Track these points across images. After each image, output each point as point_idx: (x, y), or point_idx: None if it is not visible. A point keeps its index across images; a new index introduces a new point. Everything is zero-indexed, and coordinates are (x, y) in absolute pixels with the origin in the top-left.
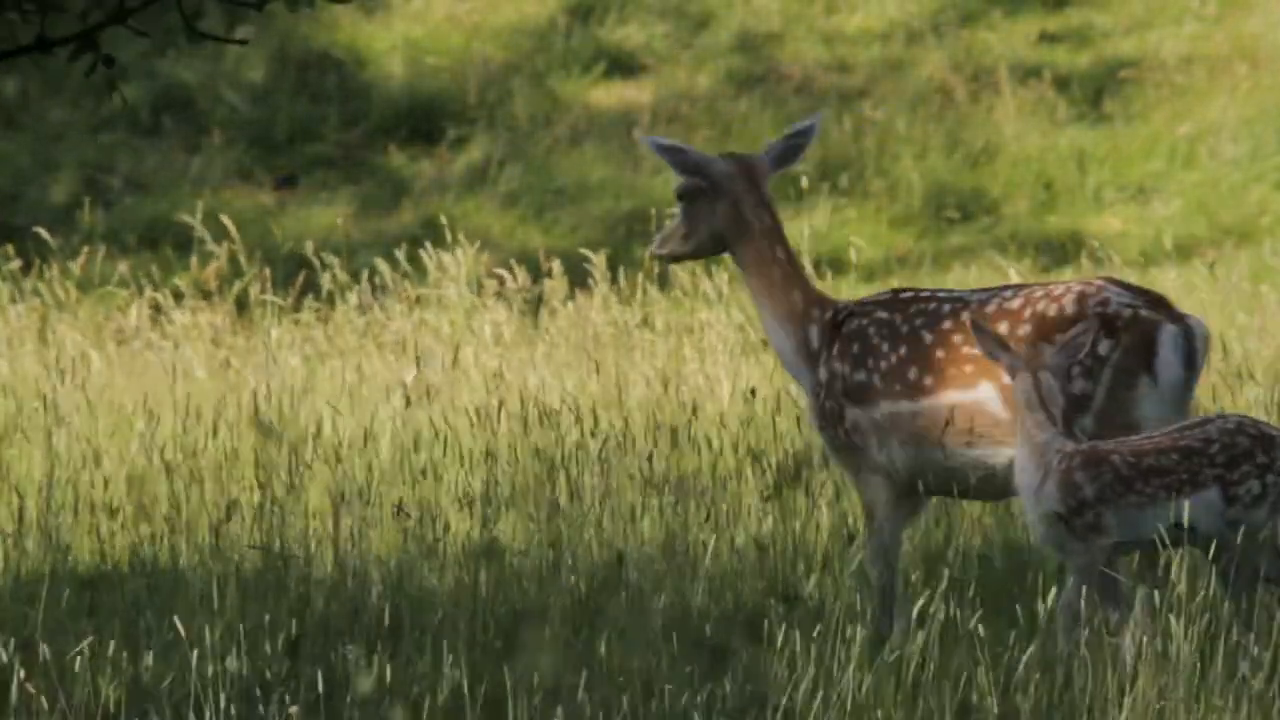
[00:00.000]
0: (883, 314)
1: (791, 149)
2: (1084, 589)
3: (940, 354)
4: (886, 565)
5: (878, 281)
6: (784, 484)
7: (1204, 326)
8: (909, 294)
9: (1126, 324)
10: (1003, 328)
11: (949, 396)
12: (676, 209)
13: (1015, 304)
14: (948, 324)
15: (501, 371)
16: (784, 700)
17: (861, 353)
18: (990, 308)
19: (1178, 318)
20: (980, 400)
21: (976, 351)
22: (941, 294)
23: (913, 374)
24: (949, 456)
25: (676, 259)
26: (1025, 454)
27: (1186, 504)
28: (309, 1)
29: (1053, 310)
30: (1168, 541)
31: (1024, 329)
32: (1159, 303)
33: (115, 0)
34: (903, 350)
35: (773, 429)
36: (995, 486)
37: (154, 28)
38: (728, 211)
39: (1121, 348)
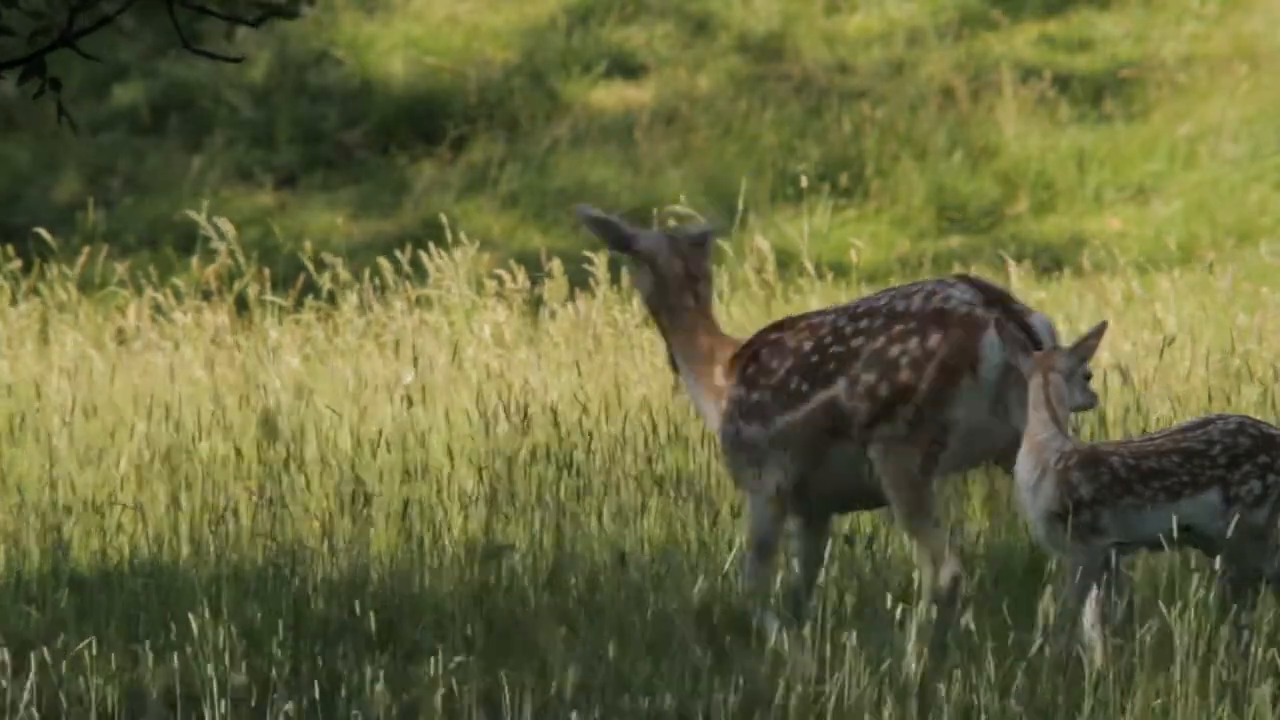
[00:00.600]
0: (774, 334)
1: (703, 234)
2: (1082, 588)
3: (815, 359)
4: (766, 580)
5: (879, 282)
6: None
7: (1047, 324)
8: (800, 315)
9: (957, 321)
10: (864, 324)
11: (820, 397)
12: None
13: (880, 302)
14: (825, 332)
15: (502, 371)
16: (782, 700)
17: (755, 374)
18: (861, 309)
19: (1021, 314)
20: (837, 396)
21: (840, 350)
22: (828, 310)
23: (793, 384)
24: (824, 459)
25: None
26: (1025, 452)
27: (1185, 508)
28: (309, 2)
29: (901, 306)
30: (1168, 543)
31: (878, 323)
32: (1000, 302)
33: (64, 23)
34: (789, 363)
35: None
36: (871, 490)
37: (154, 28)
38: (653, 287)
39: (948, 344)
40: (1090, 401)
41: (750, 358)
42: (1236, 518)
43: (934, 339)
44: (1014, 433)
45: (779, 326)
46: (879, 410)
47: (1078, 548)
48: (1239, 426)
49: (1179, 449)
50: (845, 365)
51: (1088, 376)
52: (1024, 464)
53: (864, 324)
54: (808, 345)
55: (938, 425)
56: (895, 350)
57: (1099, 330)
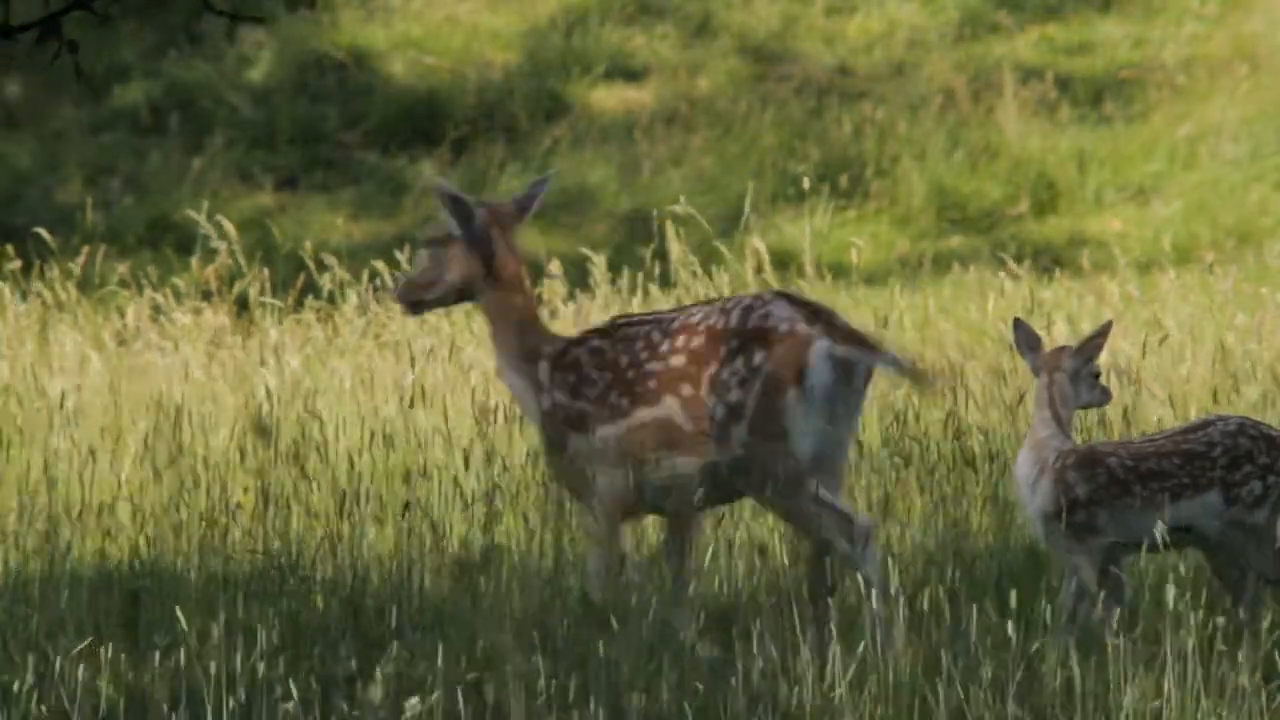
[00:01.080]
0: (596, 342)
1: (531, 198)
2: (1080, 587)
3: (631, 374)
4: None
5: (879, 283)
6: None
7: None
8: (622, 320)
9: (781, 337)
10: (680, 341)
11: (641, 415)
12: (422, 253)
13: (695, 318)
14: (640, 345)
15: None
16: (780, 700)
17: (578, 382)
18: (675, 324)
19: (834, 330)
20: (668, 415)
21: (659, 367)
22: (648, 317)
23: (613, 397)
24: (652, 472)
25: (423, 307)
26: (1025, 450)
27: (1185, 509)
28: (309, 4)
29: (721, 323)
30: (1167, 543)
31: (697, 340)
32: (822, 316)
33: None
34: (609, 376)
35: None
36: (689, 498)
37: (155, 28)
38: (479, 259)
39: (773, 360)
40: (1101, 399)
41: (572, 364)
42: (1237, 518)
43: (759, 357)
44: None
45: (601, 333)
46: (716, 430)
47: (1075, 547)
48: (1239, 427)
49: (1180, 451)
50: (673, 383)
51: (1096, 375)
52: (1023, 462)
53: (681, 341)
54: (624, 359)
55: (775, 437)
56: (724, 372)
57: (1104, 329)
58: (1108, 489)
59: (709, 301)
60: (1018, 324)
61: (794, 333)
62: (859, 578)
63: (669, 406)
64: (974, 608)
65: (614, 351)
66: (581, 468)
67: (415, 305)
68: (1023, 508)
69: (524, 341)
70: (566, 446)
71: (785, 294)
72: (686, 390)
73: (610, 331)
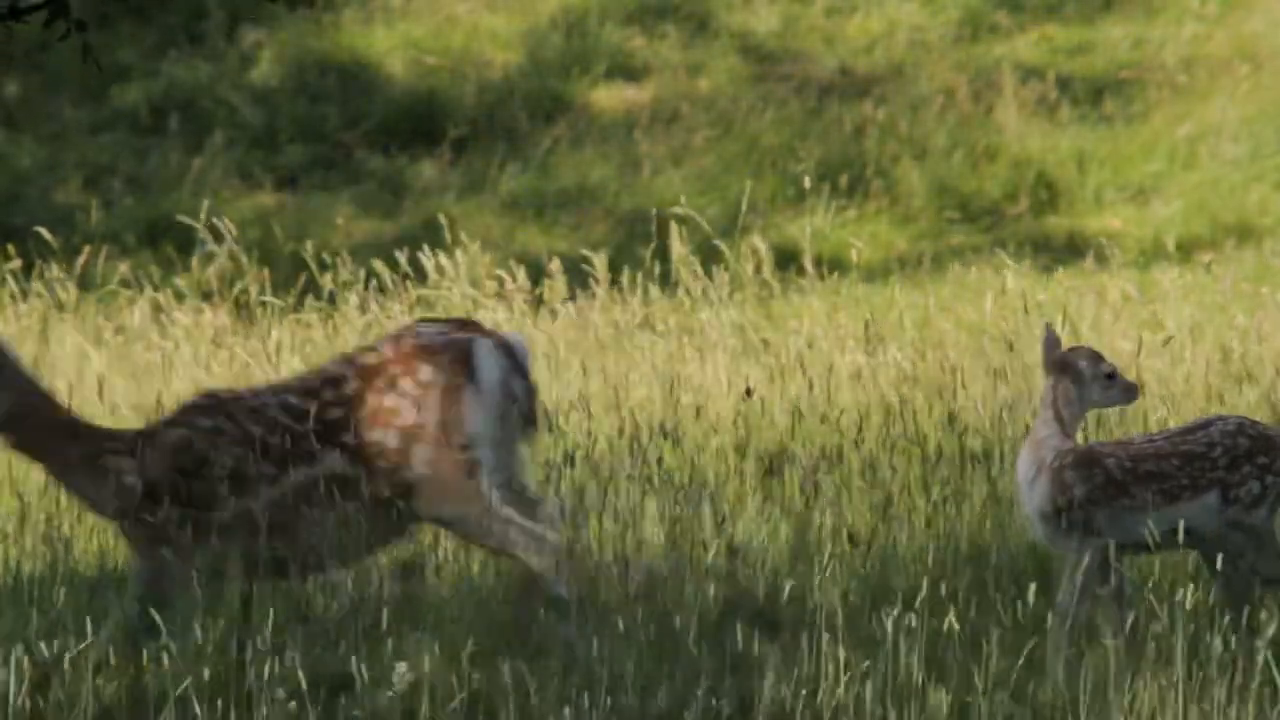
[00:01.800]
0: (207, 421)
1: None
2: (1078, 587)
3: (276, 441)
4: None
5: (878, 282)
6: (783, 483)
7: (521, 340)
8: (226, 395)
9: (443, 347)
10: (329, 393)
11: (303, 475)
12: None
13: (339, 370)
14: (275, 413)
15: None
16: (779, 700)
17: (194, 463)
18: (311, 385)
19: (490, 334)
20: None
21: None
22: (261, 390)
23: (249, 468)
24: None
25: None
26: (1025, 449)
27: (1183, 510)
28: (308, 2)
29: (374, 359)
30: (1166, 544)
31: (353, 384)
32: (470, 325)
33: None
34: (236, 449)
35: (773, 429)
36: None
37: (155, 28)
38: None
39: (443, 369)
40: (1124, 398)
41: (174, 448)
42: (1235, 518)
43: (425, 371)
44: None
45: (196, 413)
46: (396, 460)
47: (1074, 545)
48: (1238, 427)
49: (1179, 452)
50: (332, 434)
51: (1109, 375)
52: (1023, 461)
53: (330, 393)
54: (256, 430)
55: (460, 444)
56: (390, 400)
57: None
58: (1105, 489)
59: (339, 359)
60: (1048, 328)
61: (454, 340)
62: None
63: (335, 461)
64: (974, 608)
65: (235, 428)
66: (172, 538)
67: None
68: (1022, 507)
69: (82, 458)
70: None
71: (428, 319)
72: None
73: (221, 407)
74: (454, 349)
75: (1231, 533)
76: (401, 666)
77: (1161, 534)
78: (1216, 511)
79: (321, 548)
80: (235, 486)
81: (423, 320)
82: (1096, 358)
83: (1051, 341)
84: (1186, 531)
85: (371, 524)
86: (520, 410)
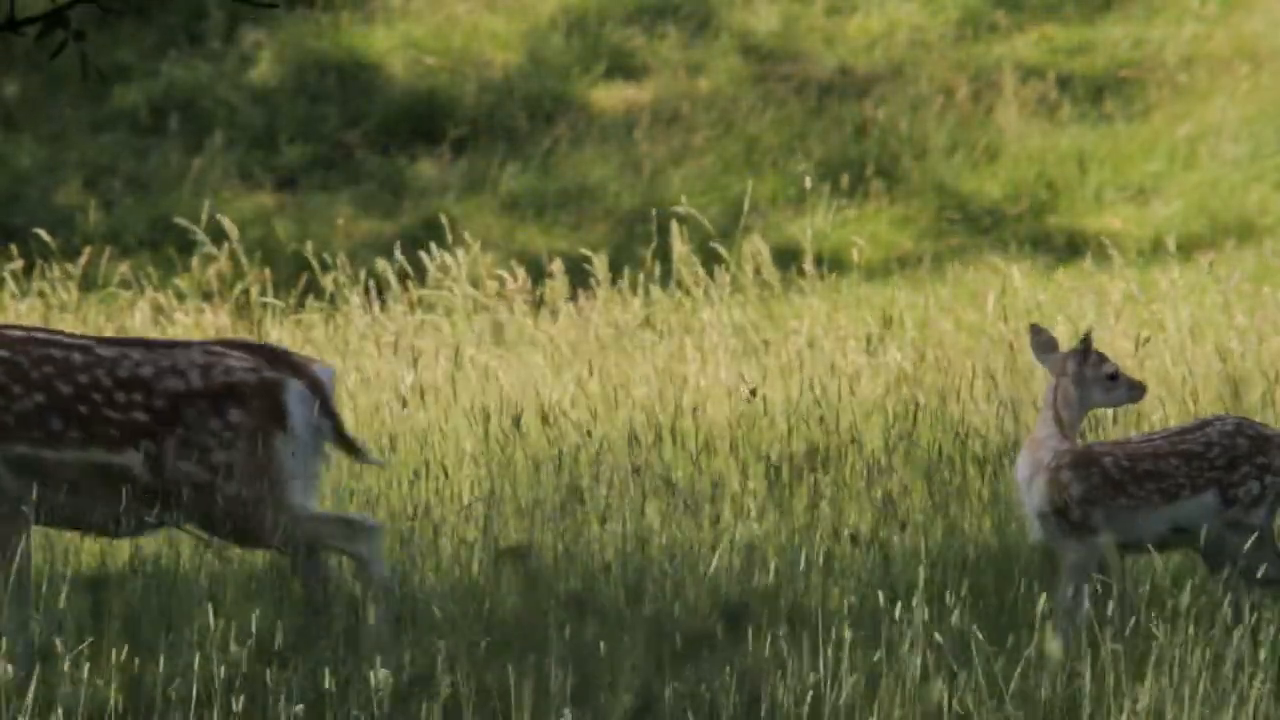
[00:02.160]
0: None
1: None
2: (1077, 587)
3: (83, 409)
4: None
5: (879, 282)
6: (783, 483)
7: (329, 373)
8: (20, 333)
9: (253, 390)
10: (138, 396)
11: (101, 457)
12: None
13: (147, 372)
14: (83, 378)
15: (502, 373)
16: (780, 700)
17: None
18: (122, 372)
19: (301, 371)
20: (127, 465)
21: (121, 416)
22: (67, 340)
23: (53, 423)
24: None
25: None
26: (1024, 450)
27: (1182, 509)
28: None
29: (181, 385)
30: (1165, 543)
31: (160, 402)
32: (280, 359)
33: None
34: (39, 396)
35: (773, 428)
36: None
37: (155, 28)
38: None
39: (252, 412)
40: (1128, 397)
41: None
42: (1234, 519)
43: (235, 414)
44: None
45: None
46: (197, 492)
47: (1072, 545)
48: (1237, 427)
49: (1177, 451)
50: (131, 434)
51: (1110, 376)
52: (1022, 462)
53: (138, 397)
54: (64, 387)
55: (266, 487)
56: (197, 436)
57: (1087, 340)
58: (1102, 489)
59: (151, 344)
60: (1034, 329)
61: (265, 381)
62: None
63: (130, 458)
64: (974, 608)
65: (40, 373)
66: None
67: None
68: (1021, 507)
69: None
70: None
71: (239, 342)
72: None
73: (18, 343)
74: (265, 393)
75: (1230, 533)
76: (383, 673)
77: (1160, 533)
78: (1215, 511)
79: (86, 518)
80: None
81: (229, 344)
82: (1099, 359)
83: (1044, 342)
84: (1185, 530)
85: (140, 520)
86: (328, 442)
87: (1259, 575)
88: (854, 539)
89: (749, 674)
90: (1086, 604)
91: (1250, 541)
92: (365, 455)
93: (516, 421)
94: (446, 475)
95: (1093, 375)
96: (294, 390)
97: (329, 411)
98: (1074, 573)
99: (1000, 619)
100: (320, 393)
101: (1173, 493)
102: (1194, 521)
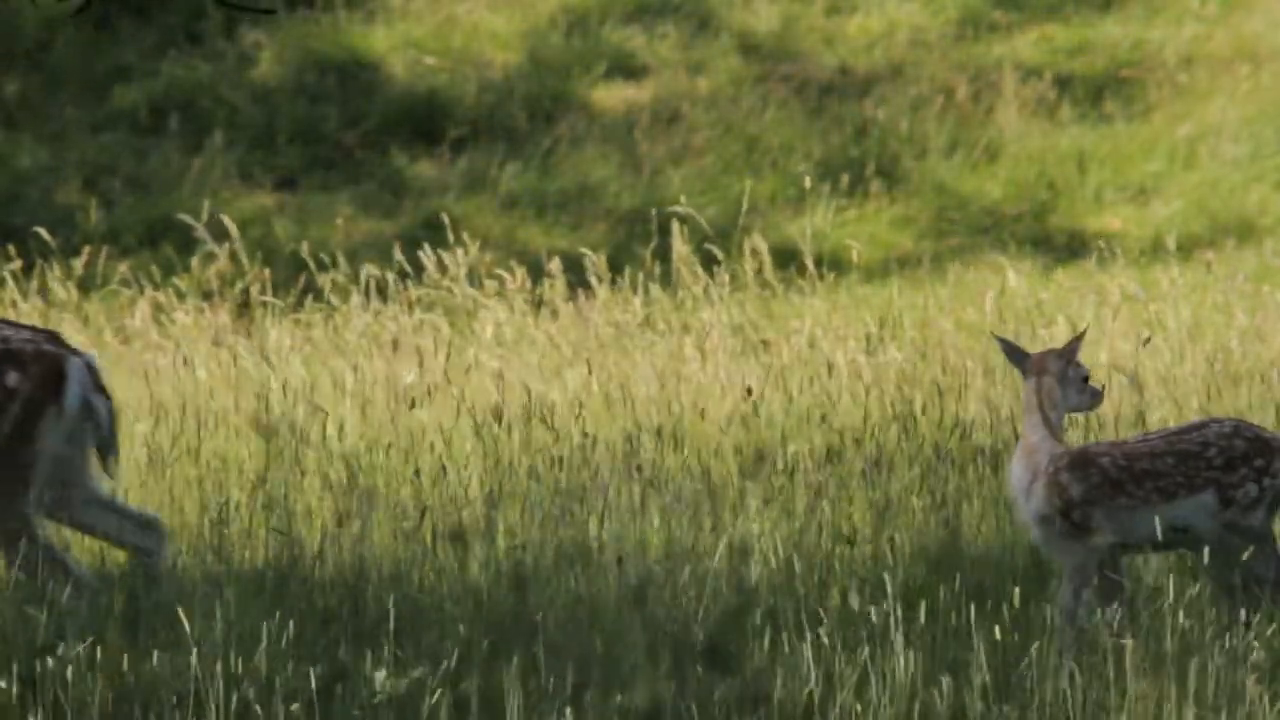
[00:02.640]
0: None
1: None
2: (1077, 589)
3: None
4: None
5: (879, 283)
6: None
7: (97, 359)
8: None
9: (33, 358)
10: None
11: None
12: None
13: None
14: None
15: (502, 372)
16: (779, 700)
17: None
18: None
19: (79, 354)
20: None
21: None
22: None
23: None
24: None
25: None
26: (1018, 456)
27: (1179, 509)
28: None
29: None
30: (1163, 543)
31: None
32: (56, 338)
33: None
34: None
35: (774, 429)
36: None
37: (155, 28)
38: None
39: (31, 379)
40: (1092, 403)
41: None
42: (1232, 520)
43: (13, 377)
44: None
45: None
46: None
47: (1073, 548)
48: (1234, 429)
49: (1174, 451)
50: None
51: (1084, 378)
52: (1017, 468)
53: None
54: None
55: (25, 458)
56: None
57: (1081, 335)
58: (1101, 488)
59: None
60: (1001, 341)
61: (46, 353)
62: None
63: None
64: (973, 609)
65: None
66: None
67: None
68: (1019, 514)
69: None
70: None
71: (1, 321)
72: None
73: None
74: (46, 362)
75: (1228, 535)
76: (381, 673)
77: (1160, 533)
78: (1213, 512)
79: None
80: None
81: (10, 323)
82: (1078, 361)
83: (1010, 348)
84: (1183, 530)
85: None
86: (100, 431)
87: (1257, 577)
88: (853, 539)
89: (749, 674)
90: (1086, 605)
91: (1248, 544)
92: (112, 459)
93: (516, 421)
94: (446, 475)
95: (1074, 375)
96: (74, 364)
97: (106, 394)
98: (1075, 575)
99: (999, 619)
100: (96, 376)
101: (1170, 492)
102: (1192, 522)
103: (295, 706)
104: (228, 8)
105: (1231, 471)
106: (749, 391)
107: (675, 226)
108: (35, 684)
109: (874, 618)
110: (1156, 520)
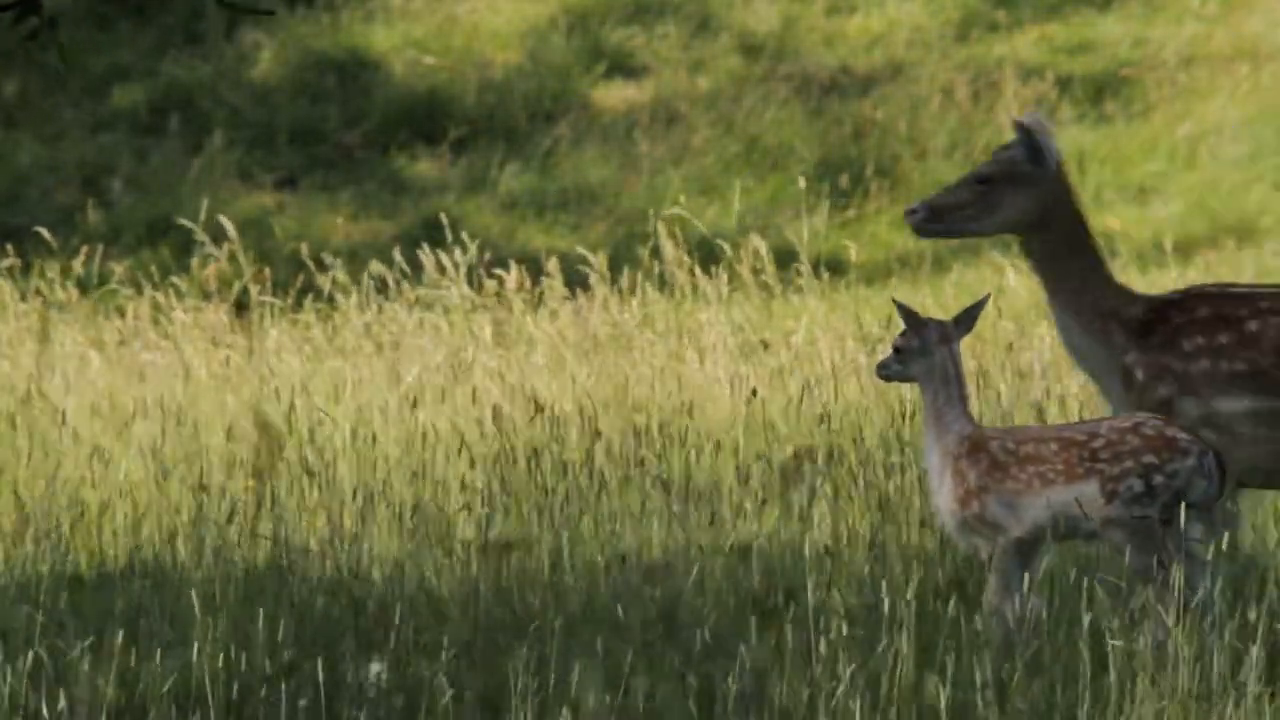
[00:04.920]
0: None
1: None
2: (1001, 582)
3: None
4: None
5: (878, 283)
6: (784, 482)
7: None
8: None
9: None
10: None
11: None
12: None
13: None
14: None
15: (501, 372)
16: (780, 699)
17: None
18: None
19: None
20: None
21: None
22: None
23: None
24: None
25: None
26: (932, 436)
27: (1057, 497)
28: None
29: None
30: (1058, 533)
31: None
32: None
33: None
34: None
35: (772, 429)
36: None
37: (154, 28)
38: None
39: None
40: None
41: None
42: (1115, 515)
43: None
44: None
45: None
46: None
47: (985, 538)
48: (1134, 425)
49: (1058, 437)
50: None
51: (897, 349)
52: (931, 450)
53: None
54: None
55: None
56: None
57: (982, 301)
58: (990, 473)
59: None
60: (899, 306)
61: None
62: None
63: None
64: (973, 608)
65: None
66: None
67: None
68: (931, 495)
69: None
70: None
71: None
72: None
73: None
74: None
75: (1109, 529)
76: (376, 667)
77: (1045, 521)
78: (1095, 504)
79: None
80: None
81: None
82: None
83: (907, 313)
84: (1070, 520)
85: None
86: None
87: (1134, 569)
88: (852, 539)
89: (749, 673)
90: (1014, 598)
91: (1133, 540)
92: None
93: (515, 421)
94: (446, 475)
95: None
96: None
97: None
98: (991, 567)
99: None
100: None
101: (1049, 478)
102: (1072, 511)
103: (295, 706)
104: (228, 8)
105: (1115, 464)
106: (754, 392)
107: (675, 227)
108: (35, 684)
109: (874, 617)
110: (1044, 507)
